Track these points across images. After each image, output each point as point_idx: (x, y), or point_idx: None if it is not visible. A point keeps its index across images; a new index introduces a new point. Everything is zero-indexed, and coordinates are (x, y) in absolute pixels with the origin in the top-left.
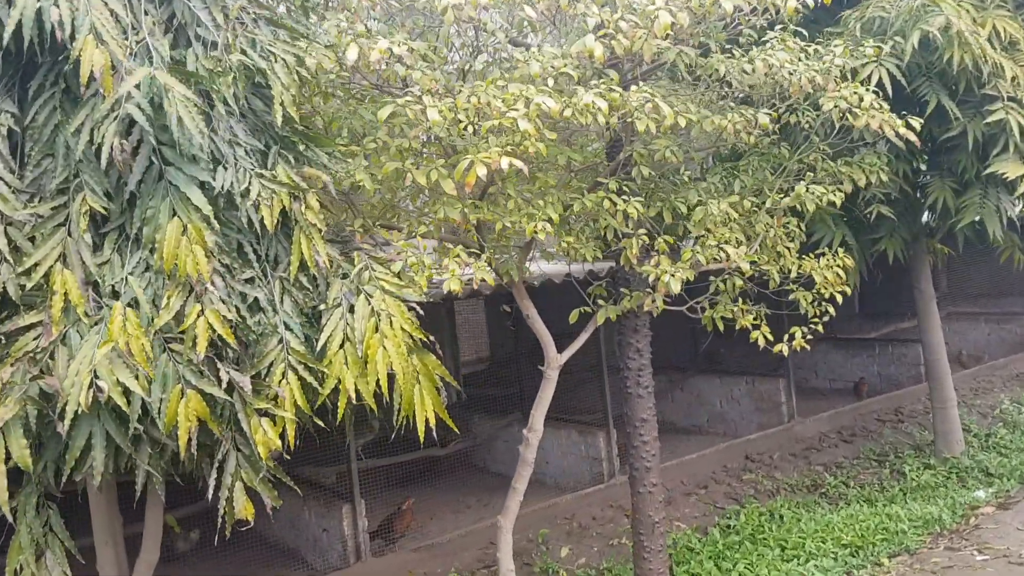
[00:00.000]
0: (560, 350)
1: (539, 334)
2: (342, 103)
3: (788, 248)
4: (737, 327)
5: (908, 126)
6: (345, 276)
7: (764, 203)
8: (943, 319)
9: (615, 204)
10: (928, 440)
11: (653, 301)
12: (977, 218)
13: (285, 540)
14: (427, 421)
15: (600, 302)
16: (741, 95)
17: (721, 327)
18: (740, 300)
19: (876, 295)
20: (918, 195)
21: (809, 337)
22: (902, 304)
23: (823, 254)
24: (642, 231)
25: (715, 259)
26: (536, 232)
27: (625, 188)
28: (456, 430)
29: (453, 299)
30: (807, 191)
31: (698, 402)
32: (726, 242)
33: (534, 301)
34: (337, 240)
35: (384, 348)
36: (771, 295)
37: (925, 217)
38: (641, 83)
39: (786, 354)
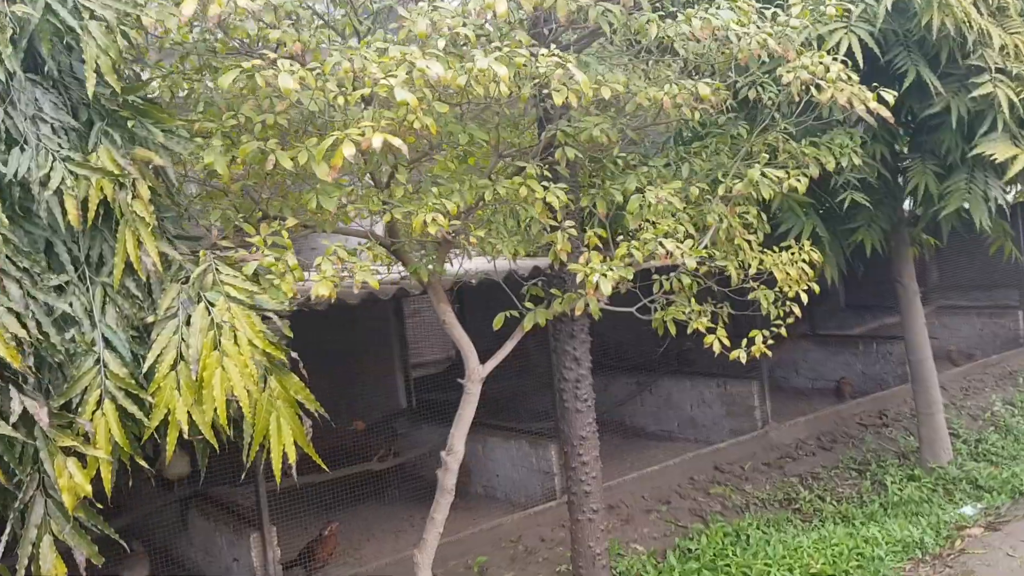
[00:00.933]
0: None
1: (458, 342)
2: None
3: (749, 241)
4: (689, 330)
5: (881, 100)
6: (186, 280)
7: (717, 190)
8: (932, 314)
9: (533, 192)
10: (914, 447)
11: (587, 304)
12: (965, 205)
13: (200, 566)
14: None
15: (529, 305)
16: (693, 67)
17: (673, 330)
18: (696, 300)
19: (863, 287)
20: (899, 180)
21: (770, 342)
22: (890, 297)
23: (789, 247)
24: (569, 223)
25: (655, 255)
26: (426, 225)
27: (548, 174)
28: (321, 463)
29: (400, 297)
30: (762, 176)
31: (668, 406)
32: (668, 235)
33: (474, 301)
34: (186, 236)
35: (223, 369)
36: (733, 295)
37: (907, 205)
38: (571, 51)
39: (744, 361)
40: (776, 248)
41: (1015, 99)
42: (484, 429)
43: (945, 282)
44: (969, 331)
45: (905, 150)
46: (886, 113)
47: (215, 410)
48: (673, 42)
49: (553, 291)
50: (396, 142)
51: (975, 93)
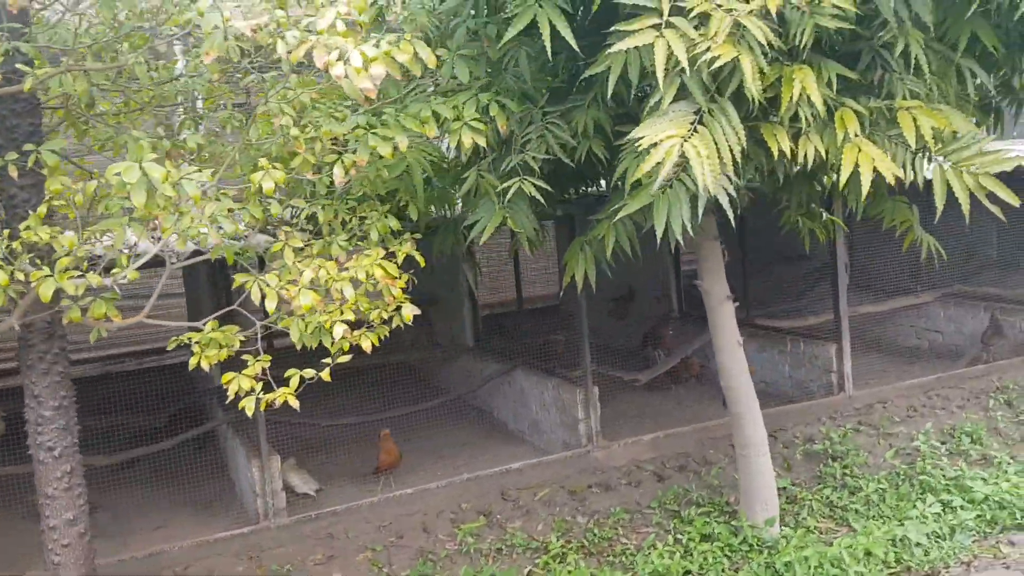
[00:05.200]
0: None
1: None
2: None
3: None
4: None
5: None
6: None
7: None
8: (937, 302)
9: None
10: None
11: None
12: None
13: None
14: None
15: None
16: None
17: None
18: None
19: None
20: None
21: (312, 380)
22: (902, 279)
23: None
24: None
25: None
26: None
27: None
28: None
29: None
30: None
31: (521, 403)
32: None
33: None
34: None
35: None
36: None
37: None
38: None
39: (250, 414)
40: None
41: (681, 54)
42: None
43: (957, 263)
44: (975, 327)
45: None
46: (367, 84)
47: None
48: None
49: None
50: None
51: (617, 46)
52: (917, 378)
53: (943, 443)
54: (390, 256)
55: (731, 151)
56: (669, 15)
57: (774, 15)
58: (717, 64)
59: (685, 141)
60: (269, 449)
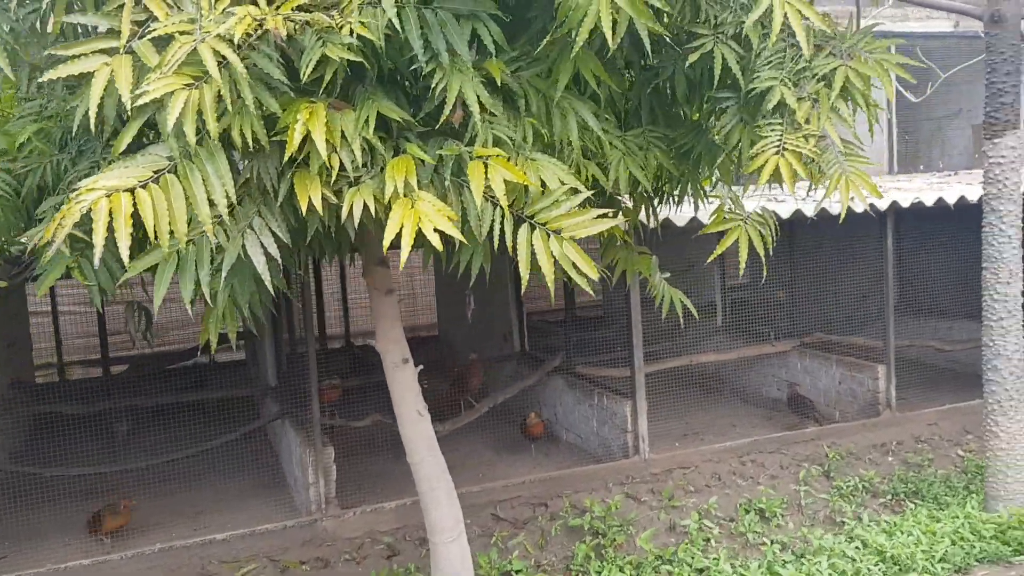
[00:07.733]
0: None
1: None
2: None
3: None
4: None
5: None
6: None
7: None
8: (794, 352)
9: None
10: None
11: None
12: None
13: None
14: None
15: None
16: None
17: None
18: None
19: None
20: None
21: None
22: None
23: None
24: None
25: None
26: None
27: None
28: None
29: None
30: None
31: (288, 456)
32: None
33: None
34: None
35: None
36: None
37: None
38: None
39: None
40: None
41: (124, 87)
42: None
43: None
44: (828, 383)
45: None
46: None
47: None
48: None
49: None
50: None
51: (48, 75)
52: (732, 440)
53: (730, 520)
54: None
55: (213, 203)
56: (140, 37)
57: (286, 42)
58: (143, 100)
59: (109, 195)
60: None
